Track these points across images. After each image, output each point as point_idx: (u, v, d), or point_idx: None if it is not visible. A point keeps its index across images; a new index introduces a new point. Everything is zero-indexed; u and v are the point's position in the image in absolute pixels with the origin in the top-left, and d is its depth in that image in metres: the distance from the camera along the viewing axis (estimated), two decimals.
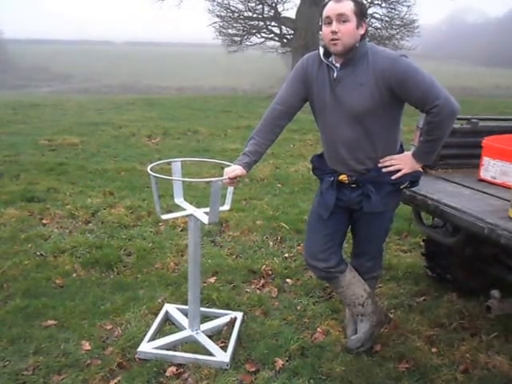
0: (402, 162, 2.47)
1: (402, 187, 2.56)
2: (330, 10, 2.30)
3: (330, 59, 2.41)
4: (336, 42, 2.29)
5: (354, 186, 2.51)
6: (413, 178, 2.55)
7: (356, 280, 2.74)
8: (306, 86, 2.48)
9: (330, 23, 2.30)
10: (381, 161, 2.47)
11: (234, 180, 2.48)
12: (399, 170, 2.46)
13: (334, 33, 2.28)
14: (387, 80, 2.28)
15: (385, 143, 2.46)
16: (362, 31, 2.33)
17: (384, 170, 2.47)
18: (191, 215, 2.72)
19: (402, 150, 2.55)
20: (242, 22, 19.98)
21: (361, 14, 2.31)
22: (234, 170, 2.47)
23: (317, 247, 2.65)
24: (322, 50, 2.41)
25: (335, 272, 2.66)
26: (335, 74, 2.37)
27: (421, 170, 2.57)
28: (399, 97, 2.34)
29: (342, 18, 2.27)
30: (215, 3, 19.54)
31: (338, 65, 2.37)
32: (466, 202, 2.74)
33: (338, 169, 2.54)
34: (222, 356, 2.71)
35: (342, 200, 2.55)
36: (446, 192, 2.92)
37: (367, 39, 2.40)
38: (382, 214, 2.56)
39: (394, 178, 2.47)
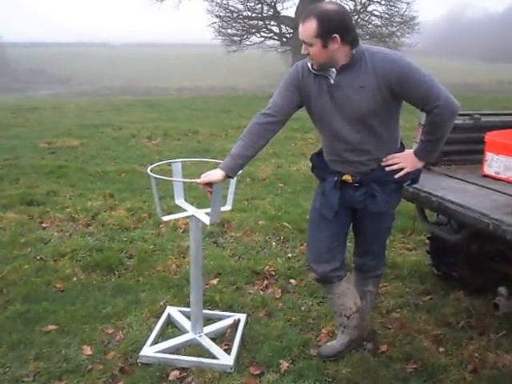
0: (405, 161, 2.44)
1: (404, 185, 2.54)
2: (299, 31, 2.30)
3: None
4: (312, 62, 2.31)
5: (357, 184, 2.47)
6: (413, 176, 2.53)
7: (349, 292, 2.70)
8: (302, 94, 2.41)
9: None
10: (384, 159, 2.44)
11: (208, 188, 2.40)
12: (402, 169, 2.43)
13: (306, 54, 2.29)
14: (388, 81, 2.24)
15: (387, 143, 2.44)
16: (334, 46, 2.22)
17: (387, 168, 2.43)
18: (192, 216, 2.69)
19: (402, 148, 2.52)
20: (241, 21, 20.00)
21: (325, 33, 2.19)
22: (213, 175, 2.37)
23: (322, 246, 2.60)
24: (310, 63, 2.35)
25: (334, 277, 2.62)
26: (332, 80, 2.31)
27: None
28: (400, 96, 2.31)
29: (307, 43, 2.26)
30: (214, 3, 19.59)
31: (334, 70, 2.31)
32: (470, 198, 2.72)
33: (341, 170, 2.49)
34: (226, 359, 2.67)
35: (345, 199, 2.50)
36: (449, 188, 2.90)
37: (363, 41, 2.34)
38: (384, 212, 2.53)
39: (397, 176, 2.44)
